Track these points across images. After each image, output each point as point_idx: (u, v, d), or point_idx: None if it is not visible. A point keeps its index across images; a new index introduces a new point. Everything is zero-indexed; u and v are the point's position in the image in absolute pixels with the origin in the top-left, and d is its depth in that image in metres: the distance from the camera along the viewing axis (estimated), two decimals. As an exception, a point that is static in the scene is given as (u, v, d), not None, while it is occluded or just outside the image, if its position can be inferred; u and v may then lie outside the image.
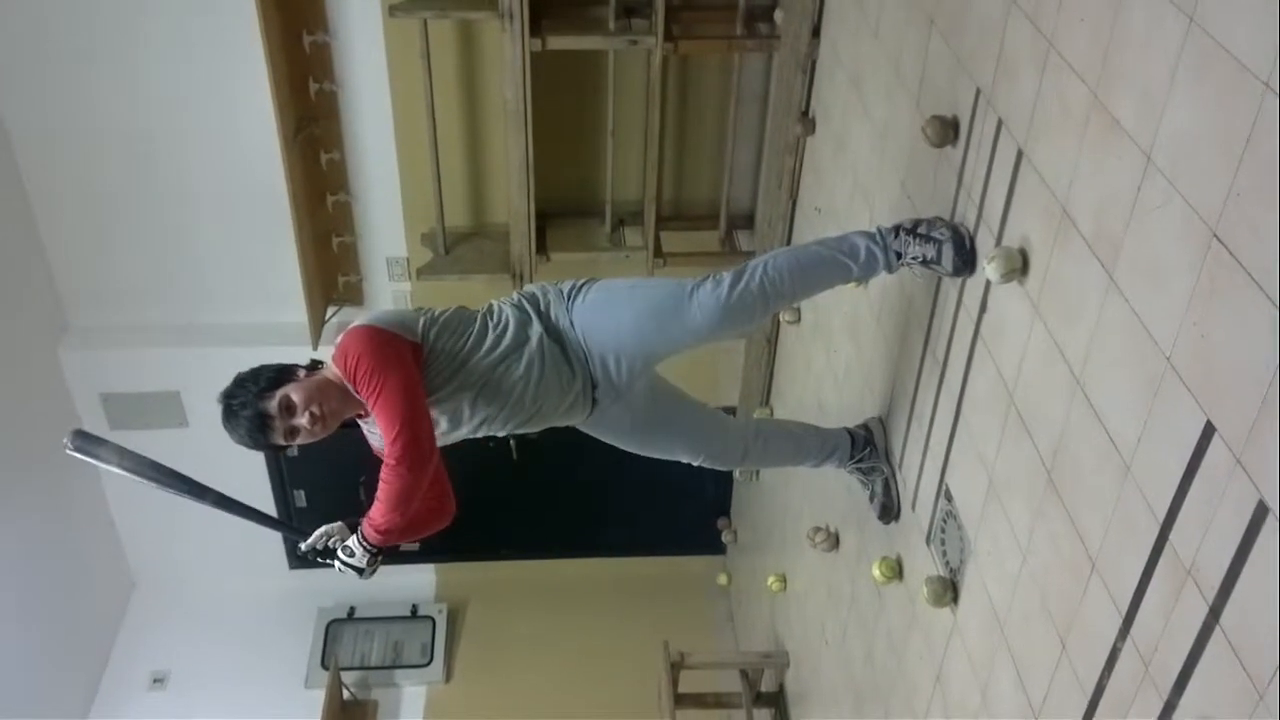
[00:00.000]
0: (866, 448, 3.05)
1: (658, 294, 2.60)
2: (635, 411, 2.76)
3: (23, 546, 4.88)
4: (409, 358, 2.41)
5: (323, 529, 2.55)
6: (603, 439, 2.84)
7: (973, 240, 2.41)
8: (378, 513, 2.44)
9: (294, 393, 2.37)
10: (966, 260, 2.40)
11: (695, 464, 2.97)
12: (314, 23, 4.23)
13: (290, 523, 2.64)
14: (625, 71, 4.35)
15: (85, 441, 2.48)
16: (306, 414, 2.36)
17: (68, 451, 2.45)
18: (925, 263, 2.48)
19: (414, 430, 2.35)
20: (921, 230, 2.50)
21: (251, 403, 2.36)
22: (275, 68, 4.03)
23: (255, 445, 2.42)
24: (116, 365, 5.11)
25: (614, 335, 2.60)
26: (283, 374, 2.41)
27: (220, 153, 4.55)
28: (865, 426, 3.11)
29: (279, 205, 4.37)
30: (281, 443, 2.40)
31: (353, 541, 2.51)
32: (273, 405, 2.36)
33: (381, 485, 2.41)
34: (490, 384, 2.53)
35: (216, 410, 2.42)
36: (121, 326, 5.07)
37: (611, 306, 2.61)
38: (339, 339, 2.45)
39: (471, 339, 2.53)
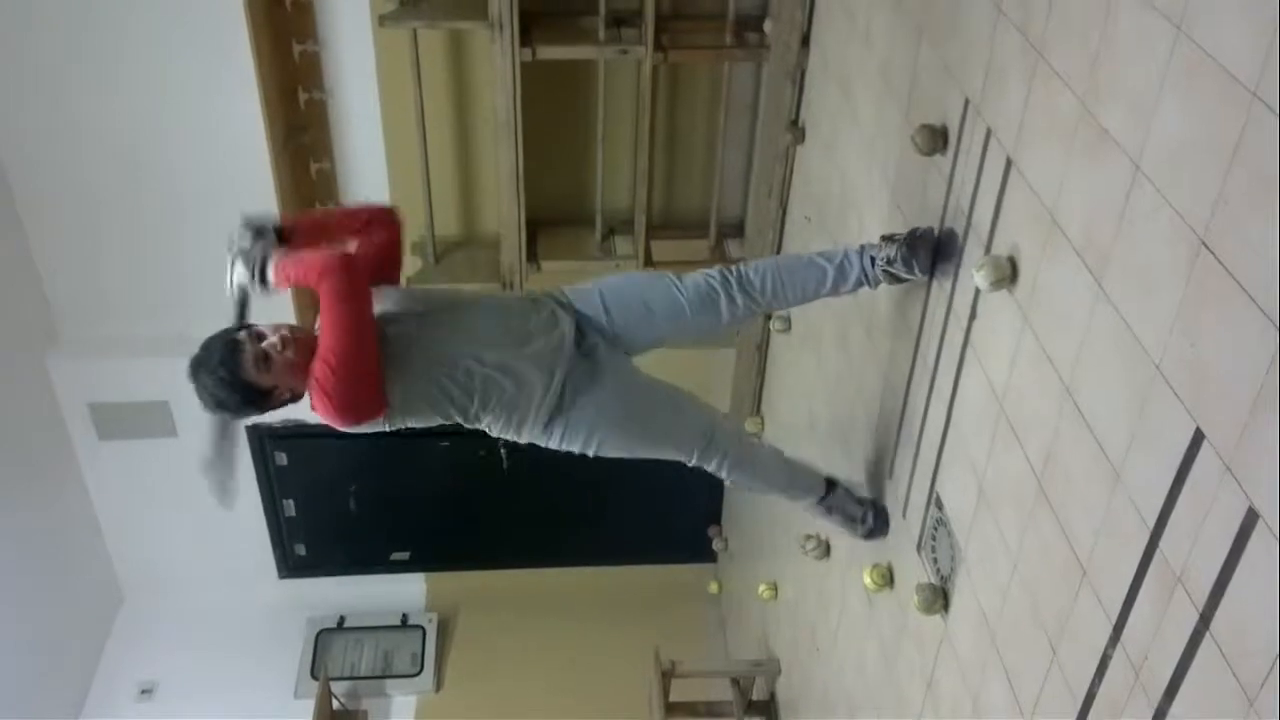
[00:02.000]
0: (837, 496, 3.03)
1: (649, 275, 2.81)
2: (618, 384, 2.67)
3: (10, 556, 4.85)
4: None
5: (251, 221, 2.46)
6: (593, 440, 2.69)
7: (945, 242, 2.47)
8: (297, 268, 2.36)
9: (262, 326, 2.41)
10: (937, 262, 2.52)
11: (688, 461, 2.82)
12: (303, 32, 4.22)
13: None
14: (615, 81, 4.36)
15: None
16: (277, 335, 2.37)
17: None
18: (890, 262, 2.57)
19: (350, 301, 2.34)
20: (899, 237, 2.59)
21: (217, 337, 2.38)
22: (265, 77, 4.02)
23: (229, 385, 2.34)
24: (105, 375, 5.09)
25: (604, 283, 2.72)
26: (245, 325, 2.44)
27: (209, 162, 4.54)
28: (836, 485, 3.06)
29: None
30: (255, 375, 2.34)
31: (260, 249, 2.40)
32: (241, 333, 2.38)
33: (311, 258, 2.37)
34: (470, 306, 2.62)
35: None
36: (110, 336, 5.05)
37: (599, 280, 2.75)
38: None
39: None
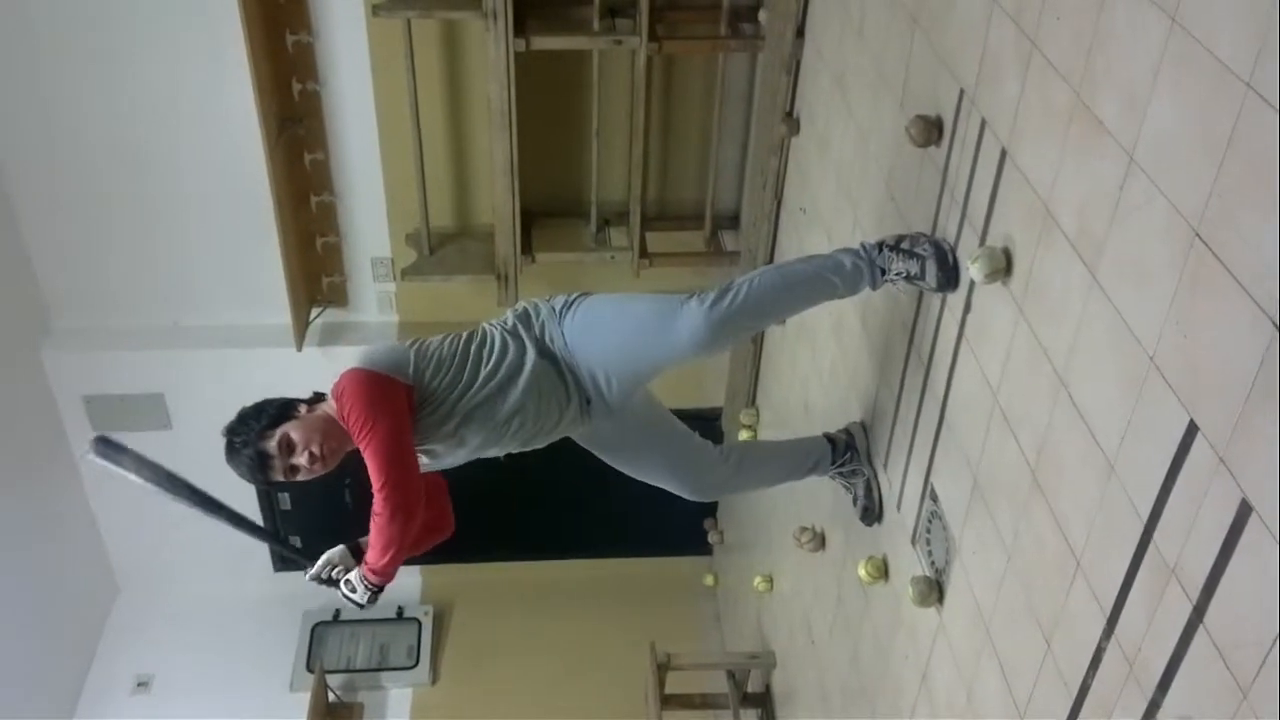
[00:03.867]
0: (848, 452, 3.06)
1: (644, 315, 2.60)
2: (627, 429, 2.79)
3: (5, 549, 4.83)
4: (401, 402, 2.44)
5: (325, 557, 2.59)
6: (595, 452, 2.87)
7: (955, 256, 2.41)
8: (373, 557, 2.47)
9: (294, 431, 2.41)
10: (950, 276, 2.41)
11: (680, 494, 3.04)
12: (297, 22, 4.21)
13: (295, 547, 2.69)
14: (610, 72, 4.35)
15: (108, 448, 2.48)
16: (306, 453, 2.40)
17: (90, 458, 2.49)
18: (909, 279, 2.49)
19: (399, 481, 2.40)
20: (905, 246, 2.50)
21: (253, 441, 2.40)
22: (258, 68, 4.01)
23: (256, 482, 2.48)
24: (100, 367, 5.08)
25: (603, 356, 2.61)
26: (284, 410, 2.44)
27: (203, 153, 4.53)
28: (846, 431, 3.12)
29: (262, 206, 4.35)
30: (281, 479, 2.44)
31: (354, 577, 2.54)
32: (272, 444, 2.39)
33: (373, 533, 2.45)
34: (487, 415, 2.55)
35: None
36: (104, 329, 5.04)
37: (600, 328, 2.62)
38: (337, 379, 2.48)
39: (466, 374, 2.54)
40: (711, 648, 5.62)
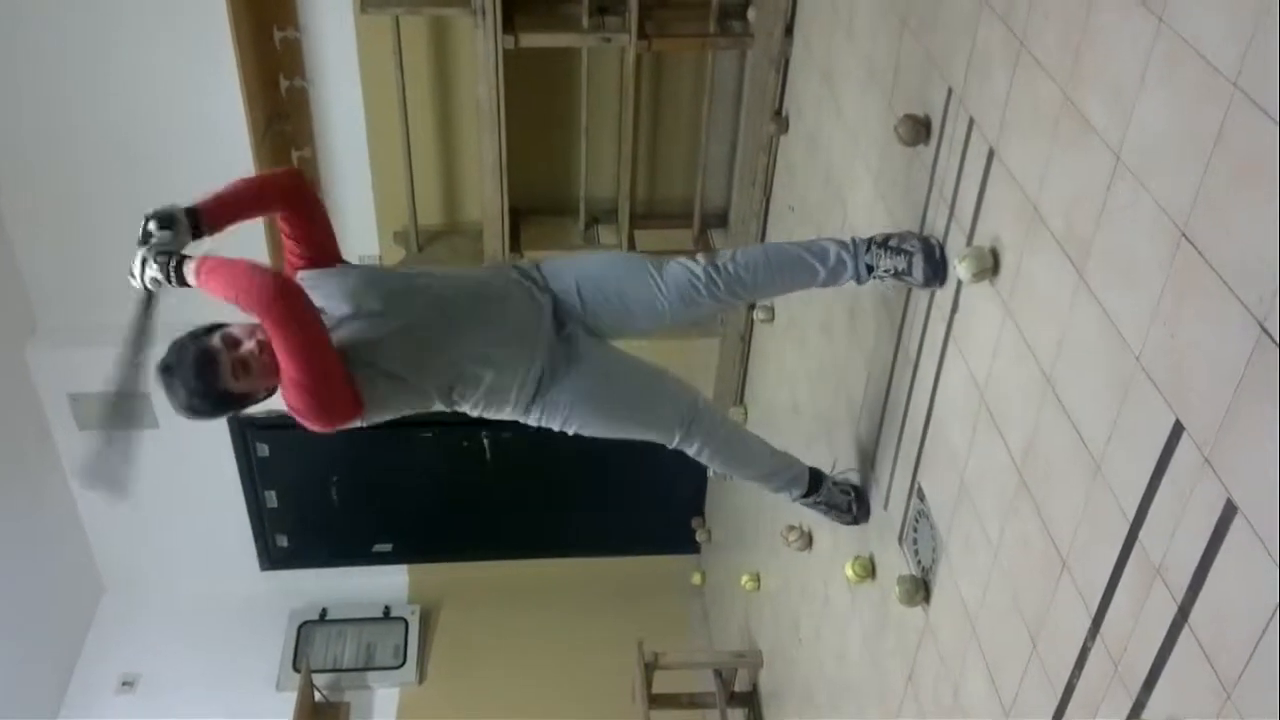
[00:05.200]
0: (822, 493, 3.03)
1: (628, 255, 2.64)
2: (596, 369, 2.65)
3: (-11, 548, 4.82)
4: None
5: (169, 208, 2.28)
6: (572, 378, 2.63)
7: (943, 251, 2.41)
8: (216, 276, 2.17)
9: (234, 329, 2.29)
10: (937, 271, 2.41)
11: (668, 444, 2.80)
12: (284, 18, 4.19)
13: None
14: (599, 69, 4.34)
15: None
16: (253, 341, 2.26)
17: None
18: (897, 275, 2.49)
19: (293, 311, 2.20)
20: (893, 243, 2.50)
21: (190, 344, 2.26)
22: (245, 64, 3.99)
23: (204, 395, 2.26)
24: (85, 365, 4.97)
25: (579, 269, 2.65)
26: (215, 325, 2.31)
27: (189, 149, 4.49)
28: (822, 479, 3.06)
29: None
30: (233, 384, 2.25)
31: (167, 261, 2.20)
32: (215, 340, 2.26)
33: (234, 269, 2.18)
34: (455, 304, 2.51)
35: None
36: (90, 326, 4.98)
37: (579, 257, 2.71)
38: None
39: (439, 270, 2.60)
40: (699, 646, 5.62)
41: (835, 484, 3.06)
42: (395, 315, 2.43)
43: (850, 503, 3.02)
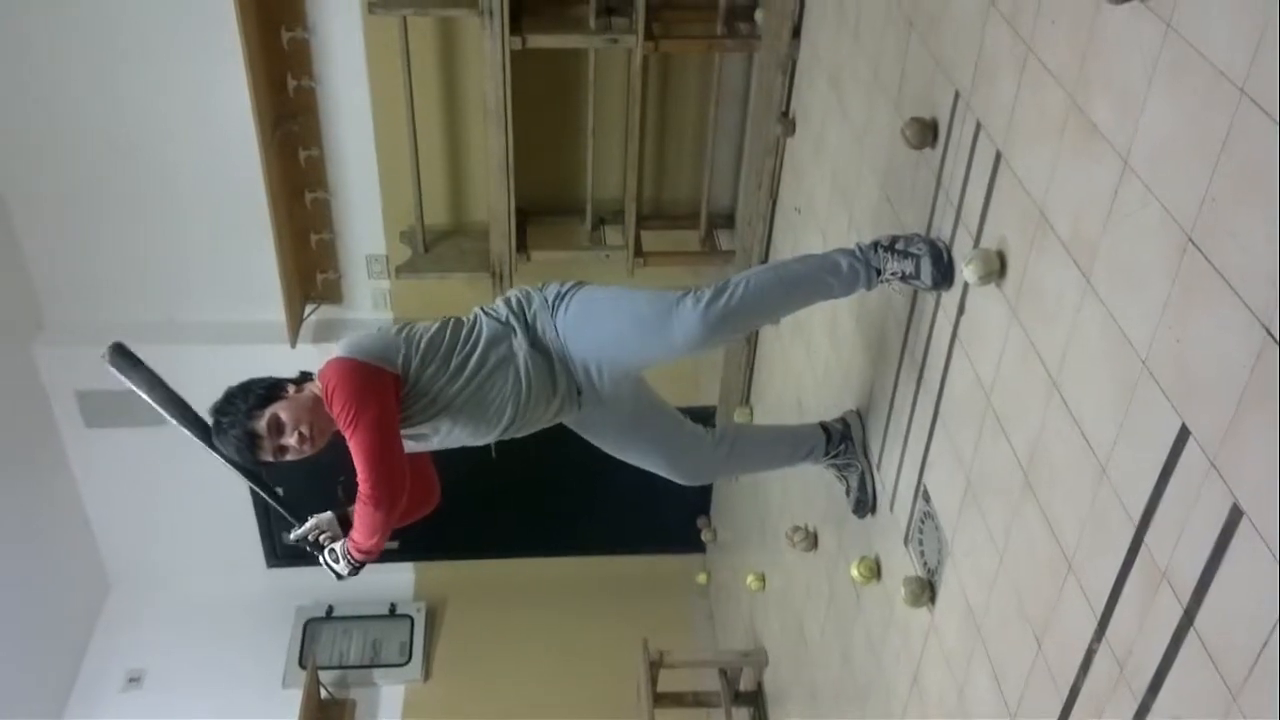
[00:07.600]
0: (843, 443, 3.06)
1: (640, 308, 2.58)
2: (619, 416, 2.78)
3: (-4, 545, 4.84)
4: (387, 391, 2.42)
5: (314, 521, 2.58)
6: (585, 437, 2.86)
7: (950, 255, 2.41)
8: (360, 538, 2.47)
9: (282, 412, 2.39)
10: (944, 274, 2.41)
11: (671, 479, 3.00)
12: (292, 18, 4.20)
13: (279, 495, 2.65)
14: (606, 70, 4.34)
15: (121, 357, 2.47)
16: (295, 433, 2.38)
17: (103, 360, 2.47)
18: (904, 278, 2.49)
19: (384, 473, 2.39)
20: (899, 246, 2.50)
21: (240, 421, 2.38)
22: (253, 64, 4.00)
23: (244, 462, 2.44)
24: (92, 362, 4.99)
25: (596, 346, 2.61)
26: (272, 390, 2.42)
27: (198, 149, 4.52)
28: (842, 420, 3.11)
29: (257, 202, 4.34)
30: (270, 460, 2.41)
31: (339, 549, 2.53)
32: (261, 424, 2.38)
33: (356, 516, 2.45)
34: (476, 404, 2.55)
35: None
36: (97, 323, 5.02)
37: (595, 318, 2.61)
38: (323, 365, 2.46)
39: (454, 363, 2.53)
40: (704, 646, 5.63)
41: (846, 429, 3.11)
42: (454, 423, 2.61)
43: (862, 477, 3.05)
